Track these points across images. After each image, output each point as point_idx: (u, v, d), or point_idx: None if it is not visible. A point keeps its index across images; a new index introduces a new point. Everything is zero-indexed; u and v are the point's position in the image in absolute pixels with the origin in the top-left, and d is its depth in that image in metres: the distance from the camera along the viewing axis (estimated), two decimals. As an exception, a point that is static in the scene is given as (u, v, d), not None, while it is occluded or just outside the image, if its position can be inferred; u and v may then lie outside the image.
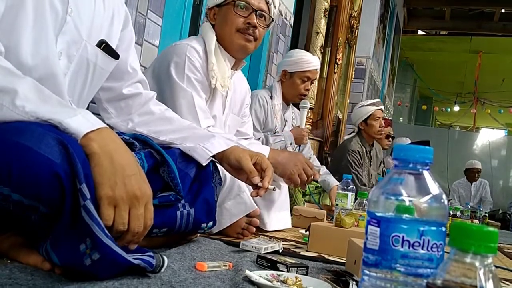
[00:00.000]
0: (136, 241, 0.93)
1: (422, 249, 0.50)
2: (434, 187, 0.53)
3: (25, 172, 0.80)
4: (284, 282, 1.06)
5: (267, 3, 1.90)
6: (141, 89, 1.43)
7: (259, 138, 2.67)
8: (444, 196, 0.53)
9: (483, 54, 9.93)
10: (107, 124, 1.35)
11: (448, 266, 0.43)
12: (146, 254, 0.95)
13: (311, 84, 2.86)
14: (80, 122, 0.91)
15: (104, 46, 1.23)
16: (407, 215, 0.50)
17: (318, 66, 2.89)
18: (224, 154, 1.39)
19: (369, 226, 0.53)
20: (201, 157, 1.35)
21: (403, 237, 0.50)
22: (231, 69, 1.95)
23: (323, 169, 3.24)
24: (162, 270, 0.96)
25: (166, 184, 1.25)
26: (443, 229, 0.51)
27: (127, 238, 0.91)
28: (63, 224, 0.84)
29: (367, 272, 0.53)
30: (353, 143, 3.97)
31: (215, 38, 1.87)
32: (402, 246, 0.50)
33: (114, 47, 1.27)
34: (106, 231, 0.85)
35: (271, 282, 1.04)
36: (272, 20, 1.95)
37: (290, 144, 2.78)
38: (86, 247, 0.84)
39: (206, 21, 1.94)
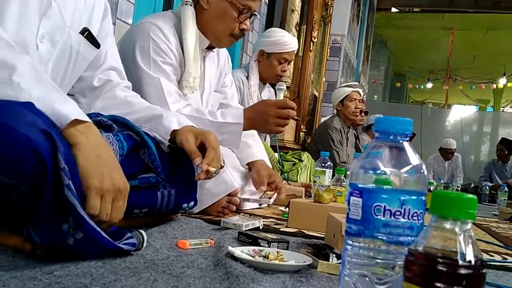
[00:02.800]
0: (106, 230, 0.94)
1: (403, 218, 0.51)
2: (414, 158, 0.54)
3: (4, 150, 0.79)
4: (266, 257, 1.07)
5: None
6: (112, 77, 1.40)
7: None
8: (423, 167, 0.55)
9: (455, 31, 10.04)
10: None
11: (429, 233, 0.44)
12: (126, 237, 0.96)
13: (288, 65, 2.86)
14: (71, 110, 0.93)
15: (87, 34, 1.24)
16: (388, 186, 0.52)
17: (296, 47, 2.88)
18: (175, 134, 1.33)
19: (352, 197, 0.54)
20: (161, 141, 1.33)
21: (384, 206, 0.51)
22: (206, 48, 1.91)
23: None
24: (144, 245, 0.98)
25: (146, 165, 1.25)
26: (423, 198, 0.53)
27: (103, 227, 0.92)
28: (45, 204, 0.83)
29: (350, 242, 0.54)
30: (335, 122, 4.12)
31: (194, 27, 1.79)
32: (383, 216, 0.51)
33: (95, 35, 1.27)
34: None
35: (253, 257, 1.05)
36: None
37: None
38: (69, 226, 0.84)
39: (186, 3, 1.82)
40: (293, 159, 3.50)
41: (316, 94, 5.36)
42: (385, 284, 0.50)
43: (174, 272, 0.89)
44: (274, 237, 1.29)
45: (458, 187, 6.63)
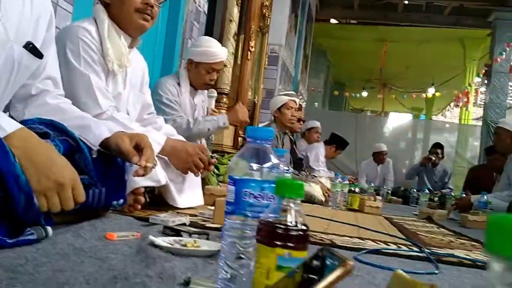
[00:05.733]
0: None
1: (263, 200, 0.69)
2: (273, 157, 0.73)
3: None
4: (184, 245, 1.23)
5: None
6: (48, 86, 1.49)
7: (182, 118, 2.79)
8: (280, 165, 0.73)
9: (389, 43, 10.61)
10: (11, 115, 1.45)
11: (272, 208, 0.63)
12: (27, 233, 1.05)
13: (217, 74, 2.98)
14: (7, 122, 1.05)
15: (30, 47, 1.31)
16: (253, 177, 0.70)
17: (224, 58, 2.97)
18: (107, 141, 1.45)
19: (229, 186, 0.72)
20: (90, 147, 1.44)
21: (250, 191, 0.69)
22: (128, 47, 2.03)
23: None
24: (48, 238, 1.10)
25: (80, 168, 1.38)
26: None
27: (64, 213, 1.08)
28: None
29: (227, 219, 0.72)
30: (271, 127, 4.32)
31: (107, 20, 1.92)
32: (249, 198, 0.70)
33: (38, 47, 1.35)
34: None
35: (171, 245, 1.21)
36: None
37: (223, 124, 2.92)
38: None
39: (97, 2, 1.98)
40: (228, 162, 3.67)
41: (255, 101, 5.58)
42: (248, 247, 0.68)
43: (100, 257, 1.04)
44: (196, 229, 1.46)
45: (388, 190, 7.04)
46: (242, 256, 0.70)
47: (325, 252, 0.56)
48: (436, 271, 1.40)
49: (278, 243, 0.61)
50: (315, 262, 0.56)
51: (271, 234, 0.61)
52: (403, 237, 2.12)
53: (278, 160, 0.71)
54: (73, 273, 0.88)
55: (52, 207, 1.07)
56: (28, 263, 0.90)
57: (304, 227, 0.62)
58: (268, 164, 0.71)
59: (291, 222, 0.61)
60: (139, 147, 1.47)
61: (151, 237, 1.21)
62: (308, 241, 0.62)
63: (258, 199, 0.69)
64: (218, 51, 2.91)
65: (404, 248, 1.77)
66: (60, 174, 1.08)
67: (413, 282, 0.49)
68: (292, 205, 0.62)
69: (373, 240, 1.88)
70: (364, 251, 1.54)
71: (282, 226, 0.61)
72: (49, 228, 1.09)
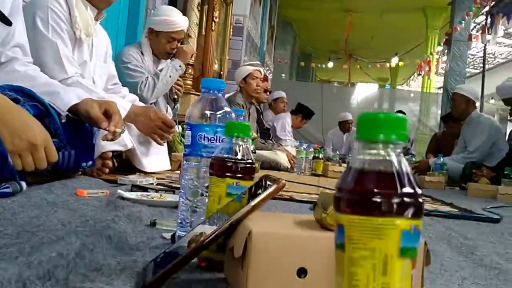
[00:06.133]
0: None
1: (216, 142, 0.79)
2: (225, 106, 0.83)
3: None
4: (151, 199, 1.33)
5: None
6: (17, 54, 1.54)
7: (147, 78, 2.84)
8: (231, 111, 0.83)
9: (353, 13, 10.72)
10: None
11: (221, 147, 0.73)
12: (2, 187, 1.12)
13: (178, 43, 3.01)
14: None
15: None
16: (207, 122, 0.80)
17: (184, 27, 2.98)
18: (76, 107, 1.51)
19: (186, 131, 0.82)
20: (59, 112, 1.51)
21: (204, 135, 0.79)
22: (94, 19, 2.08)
23: None
24: (22, 192, 1.17)
25: (51, 132, 1.45)
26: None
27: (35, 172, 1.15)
28: None
29: (185, 161, 0.82)
30: (237, 98, 4.43)
31: None
32: (204, 141, 0.79)
33: (6, 14, 1.40)
34: None
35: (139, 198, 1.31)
36: None
37: (179, 66, 2.97)
38: None
39: None
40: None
41: (221, 71, 5.64)
42: (205, 184, 0.79)
43: (72, 208, 1.13)
44: (163, 187, 1.55)
45: (354, 157, 7.26)
46: (199, 191, 0.80)
47: (265, 179, 0.67)
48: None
49: (228, 174, 0.71)
50: (258, 188, 0.66)
51: (222, 167, 0.72)
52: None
53: (228, 108, 0.81)
54: (48, 219, 0.97)
55: (26, 166, 1.14)
56: (6, 212, 0.99)
57: (250, 161, 0.73)
58: (221, 111, 0.81)
59: (239, 157, 0.72)
60: (108, 113, 1.54)
61: (120, 191, 1.30)
62: (253, 172, 0.73)
63: (212, 141, 0.79)
64: (178, 20, 2.92)
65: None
66: (33, 135, 1.15)
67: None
68: (240, 142, 0.73)
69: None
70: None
71: (232, 160, 0.71)
72: (23, 183, 1.17)
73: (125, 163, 2.17)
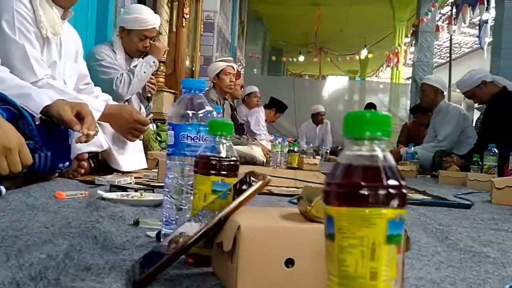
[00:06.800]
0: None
1: (199, 141, 0.81)
2: (207, 105, 0.84)
3: None
4: (132, 198, 1.33)
5: None
6: None
7: (122, 74, 2.81)
8: (213, 111, 0.84)
9: (322, 6, 10.80)
10: None
11: (207, 146, 0.75)
12: None
13: (150, 40, 3.00)
14: None
15: None
16: (189, 122, 0.81)
17: (156, 24, 2.96)
18: (48, 109, 1.49)
19: (169, 131, 0.83)
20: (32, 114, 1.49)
21: (187, 134, 0.81)
22: (60, 18, 2.05)
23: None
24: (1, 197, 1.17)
25: (25, 134, 1.43)
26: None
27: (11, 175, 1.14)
28: None
29: (168, 161, 0.83)
30: (211, 94, 4.42)
31: None
32: (187, 140, 0.81)
33: None
34: None
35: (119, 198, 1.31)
36: None
37: (153, 62, 2.95)
38: None
39: None
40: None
41: (193, 68, 5.62)
42: (189, 182, 0.80)
43: (52, 211, 1.13)
44: (142, 186, 1.56)
45: (327, 150, 7.35)
46: (184, 189, 0.81)
47: (249, 175, 0.69)
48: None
49: (213, 172, 0.73)
50: (243, 184, 0.68)
51: (207, 165, 0.73)
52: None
53: (210, 107, 0.83)
54: (30, 222, 0.97)
55: (0, 170, 1.12)
56: (-14, 217, 0.98)
57: (234, 159, 0.74)
58: (202, 111, 0.82)
59: (223, 155, 0.73)
60: (80, 115, 1.53)
61: (99, 191, 1.30)
62: (237, 169, 0.75)
63: (195, 140, 0.80)
64: (149, 18, 2.91)
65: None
66: (7, 139, 1.14)
67: (318, 188, 0.62)
68: (224, 140, 0.74)
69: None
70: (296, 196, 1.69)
71: (216, 158, 0.73)
72: (2, 188, 1.15)
73: (101, 163, 2.16)
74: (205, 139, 0.80)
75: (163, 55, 3.17)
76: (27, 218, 1.00)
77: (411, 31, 9.30)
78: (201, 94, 0.84)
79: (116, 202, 1.23)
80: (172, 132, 0.82)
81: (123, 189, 1.49)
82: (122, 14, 3.05)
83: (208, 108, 0.83)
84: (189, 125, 0.81)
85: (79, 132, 1.50)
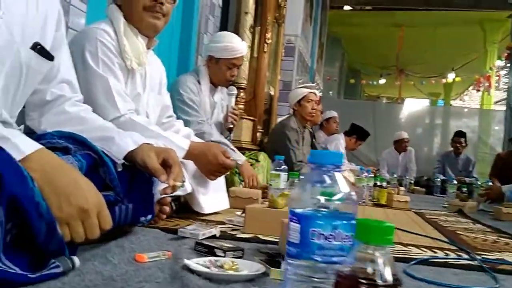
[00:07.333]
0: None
1: (335, 240, 0.57)
2: (344, 186, 0.61)
3: None
4: (221, 267, 1.12)
5: None
6: (65, 91, 1.40)
7: (203, 121, 2.66)
8: (353, 193, 0.61)
9: (405, 28, 10.36)
10: (27, 125, 1.36)
11: (354, 256, 0.51)
12: (50, 266, 0.92)
13: (237, 69, 2.87)
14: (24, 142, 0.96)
15: (38, 48, 1.21)
16: (323, 212, 0.58)
17: (244, 52, 2.87)
18: (132, 154, 1.35)
19: (291, 223, 0.60)
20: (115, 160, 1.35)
21: (319, 231, 0.58)
22: (145, 47, 1.94)
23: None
24: (75, 268, 0.98)
25: (106, 183, 1.28)
26: (352, 221, 0.59)
27: (88, 242, 1.00)
28: None
29: (290, 261, 0.60)
30: (291, 122, 4.24)
31: (122, 18, 1.85)
32: (318, 240, 0.58)
33: (48, 48, 1.25)
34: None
35: (208, 268, 1.10)
36: None
37: (239, 160, 2.81)
38: None
39: (111, 3, 1.93)
40: (250, 160, 3.55)
41: (272, 93, 5.45)
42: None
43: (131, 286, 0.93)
44: (230, 245, 1.34)
45: (411, 180, 6.87)
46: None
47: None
48: (497, 285, 1.27)
49: (364, 302, 0.49)
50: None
51: (354, 290, 0.49)
52: (446, 239, 1.99)
53: (350, 188, 0.59)
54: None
55: (75, 236, 0.97)
56: (55, 304, 0.80)
57: (396, 281, 0.50)
58: (339, 195, 0.59)
59: (380, 276, 0.49)
60: (167, 164, 1.37)
61: (186, 261, 1.10)
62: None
63: (330, 240, 0.57)
64: (238, 46, 2.80)
65: (453, 255, 1.65)
66: (84, 199, 0.97)
67: None
68: (378, 254, 0.50)
69: (416, 246, 1.75)
70: (412, 262, 1.41)
71: (370, 282, 0.49)
72: (75, 259, 0.98)
73: (183, 205, 2.00)
74: (343, 239, 0.56)
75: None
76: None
77: (506, 54, 8.62)
78: (338, 172, 0.61)
79: (205, 279, 1.02)
80: (297, 225, 0.59)
81: (209, 248, 1.29)
82: (209, 43, 2.93)
83: (346, 188, 0.59)
84: (322, 218, 0.58)
85: (165, 183, 1.32)
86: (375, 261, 0.49)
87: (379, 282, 0.48)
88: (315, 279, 0.58)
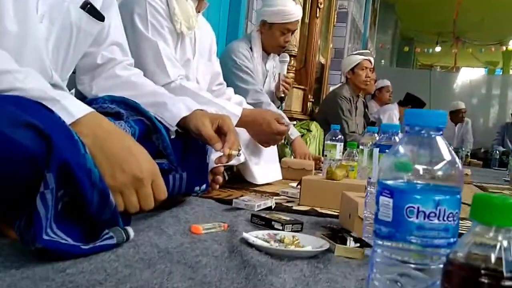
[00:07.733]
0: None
1: (438, 219, 0.47)
2: (447, 153, 0.50)
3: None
4: (281, 241, 1.05)
5: None
6: (115, 54, 1.34)
7: (259, 90, 2.57)
8: (458, 161, 0.51)
9: (464, -8, 9.75)
10: (78, 90, 1.31)
11: (469, 240, 0.41)
12: (103, 237, 0.87)
13: (292, 34, 2.73)
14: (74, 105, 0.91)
15: (88, 7, 1.16)
16: (422, 185, 0.48)
17: (299, 17, 2.71)
18: (186, 120, 1.28)
19: (381, 197, 0.50)
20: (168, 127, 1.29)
21: (418, 208, 0.48)
22: (195, 10, 1.85)
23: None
24: (130, 239, 0.93)
25: (159, 150, 1.22)
26: (458, 196, 0.49)
27: (142, 212, 0.95)
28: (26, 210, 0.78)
29: (379, 242, 0.51)
30: (344, 90, 4.07)
31: None
32: (417, 218, 0.48)
33: (98, 8, 1.20)
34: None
35: (268, 242, 1.03)
36: None
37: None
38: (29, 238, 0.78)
39: None
40: (301, 130, 3.44)
41: (323, 61, 5.27)
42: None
43: (189, 262, 0.87)
44: (288, 218, 1.26)
45: (468, 152, 6.57)
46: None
47: None
48: None
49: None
50: None
51: (473, 284, 0.39)
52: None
53: (454, 155, 0.49)
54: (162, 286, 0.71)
55: (129, 206, 0.91)
56: (109, 278, 0.74)
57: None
58: (441, 165, 0.48)
59: (507, 266, 0.39)
60: (222, 131, 1.29)
61: (245, 234, 1.03)
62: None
63: (431, 219, 0.47)
64: (293, 10, 2.64)
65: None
66: (138, 167, 0.91)
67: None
68: (502, 237, 0.40)
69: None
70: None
71: (493, 273, 0.39)
72: (130, 230, 0.92)
73: (236, 175, 1.93)
74: (448, 218, 0.46)
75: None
76: (159, 283, 0.74)
77: None
78: (440, 136, 0.50)
79: (266, 254, 0.94)
80: (390, 199, 0.49)
81: (267, 222, 1.22)
82: (262, 7, 2.79)
83: (449, 157, 0.49)
84: (421, 192, 0.47)
85: (220, 151, 1.25)
86: (499, 247, 0.39)
87: (507, 274, 0.38)
88: (411, 265, 0.48)
